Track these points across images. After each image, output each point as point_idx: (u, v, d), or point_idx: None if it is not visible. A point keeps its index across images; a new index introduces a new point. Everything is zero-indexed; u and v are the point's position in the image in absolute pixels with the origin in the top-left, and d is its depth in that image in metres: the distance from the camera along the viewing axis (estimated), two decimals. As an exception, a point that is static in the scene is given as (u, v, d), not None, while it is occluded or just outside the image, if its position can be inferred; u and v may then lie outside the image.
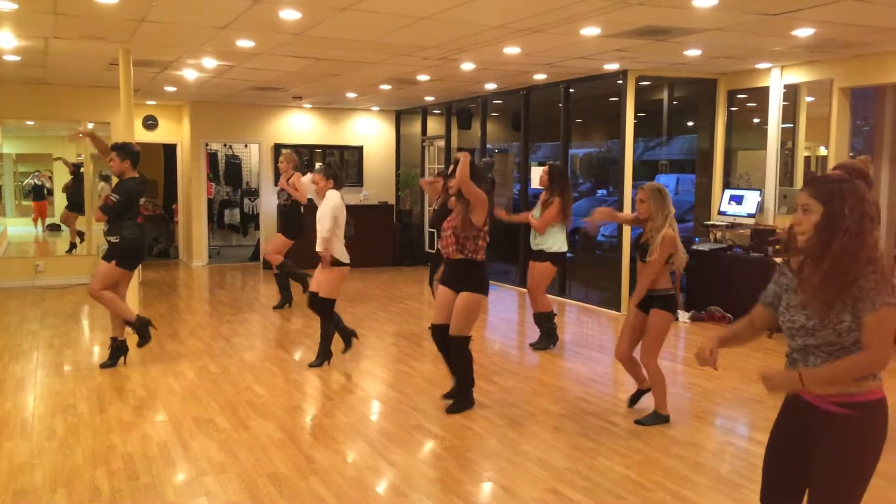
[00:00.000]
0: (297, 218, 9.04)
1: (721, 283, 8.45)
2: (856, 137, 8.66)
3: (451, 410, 5.25)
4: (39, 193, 16.87)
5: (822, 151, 8.61)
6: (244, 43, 7.30)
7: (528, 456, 4.47)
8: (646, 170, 15.59)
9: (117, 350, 6.46)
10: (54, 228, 16.59)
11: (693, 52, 7.62)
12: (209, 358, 6.75)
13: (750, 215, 8.49)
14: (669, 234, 4.89)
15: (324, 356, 6.44)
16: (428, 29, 6.53)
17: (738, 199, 8.68)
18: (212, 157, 15.53)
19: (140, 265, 6.32)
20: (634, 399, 5.38)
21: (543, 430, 4.94)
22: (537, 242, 6.94)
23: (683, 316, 8.64)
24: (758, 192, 8.56)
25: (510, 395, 5.71)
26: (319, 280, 6.30)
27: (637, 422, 5.05)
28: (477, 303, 5.15)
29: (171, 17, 6.30)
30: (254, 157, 15.61)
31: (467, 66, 8.60)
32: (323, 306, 6.30)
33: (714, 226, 8.87)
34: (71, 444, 4.64)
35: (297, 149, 13.57)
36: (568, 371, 6.49)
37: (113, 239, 6.23)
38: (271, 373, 6.32)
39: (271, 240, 9.23)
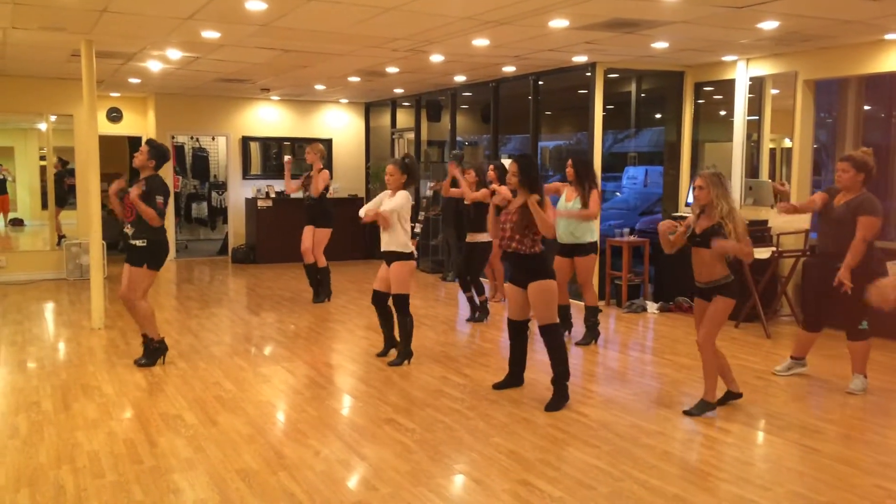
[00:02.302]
0: (326, 209, 9.02)
1: (688, 274, 8.51)
2: (820, 129, 8.79)
3: (549, 408, 5.19)
4: (1, 188, 16.53)
5: (787, 143, 8.72)
6: (210, 34, 7.20)
7: (499, 448, 4.48)
8: (615, 162, 15.69)
9: (155, 351, 6.29)
10: (17, 223, 16.29)
11: (660, 45, 7.67)
12: (176, 353, 6.66)
13: (717, 206, 8.56)
14: (743, 217, 4.91)
15: (405, 355, 6.36)
16: (395, 20, 6.49)
17: (705, 191, 8.75)
18: (178, 150, 15.33)
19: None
20: (722, 401, 5.26)
21: (514, 421, 4.95)
22: (577, 235, 6.81)
23: (652, 307, 8.72)
24: (724, 184, 8.64)
25: (481, 387, 5.72)
26: (385, 278, 6.26)
27: (685, 412, 5.10)
28: (550, 288, 5.27)
29: (134, 8, 6.19)
30: (221, 150, 15.45)
31: (436, 58, 8.57)
32: (400, 302, 6.23)
33: (682, 217, 8.94)
34: (35, 442, 4.56)
35: (265, 141, 13.53)
36: (538, 363, 6.50)
37: (139, 243, 6.06)
38: (240, 368, 6.26)
39: (307, 235, 9.05)
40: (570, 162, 6.96)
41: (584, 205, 6.78)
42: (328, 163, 13.80)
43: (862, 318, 5.51)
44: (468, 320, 8.19)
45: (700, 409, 5.09)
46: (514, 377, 5.67)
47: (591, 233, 6.92)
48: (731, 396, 5.28)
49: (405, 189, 6.25)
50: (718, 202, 4.87)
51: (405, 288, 6.25)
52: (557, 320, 5.38)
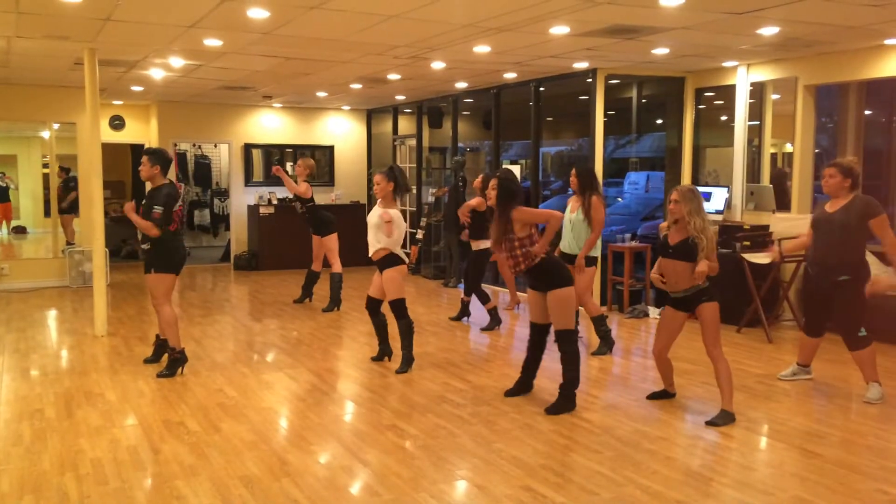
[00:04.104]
0: (319, 217, 9.06)
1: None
2: (820, 134, 8.80)
3: (550, 411, 5.22)
4: (4, 195, 16.57)
5: (788, 148, 8.73)
6: (212, 42, 7.23)
7: (502, 453, 4.48)
8: (616, 167, 15.70)
9: (175, 361, 6.22)
10: (20, 231, 16.32)
11: (661, 51, 7.69)
12: (179, 360, 6.67)
13: (718, 212, 8.59)
14: (713, 234, 5.03)
15: (409, 361, 6.38)
16: (397, 28, 6.52)
17: (706, 196, 8.77)
18: (181, 158, 15.37)
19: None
20: (656, 396, 5.59)
21: (516, 427, 4.96)
22: (579, 246, 6.76)
23: (653, 312, 8.72)
24: (726, 189, 8.66)
25: (483, 392, 5.73)
26: (380, 285, 6.33)
27: (708, 423, 5.01)
28: (569, 295, 5.25)
29: (137, 16, 6.22)
30: (223, 158, 15.49)
31: (438, 65, 8.60)
32: (396, 307, 6.27)
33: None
34: (38, 449, 4.57)
35: (267, 148, 13.56)
36: (544, 369, 6.51)
37: (146, 246, 6.09)
38: (242, 374, 6.27)
39: (316, 247, 9.17)
40: (573, 171, 6.92)
41: (586, 216, 6.75)
42: (330, 169, 13.87)
43: (860, 326, 5.48)
44: (451, 319, 8.44)
45: (724, 420, 5.02)
46: (525, 384, 5.65)
47: (594, 250, 6.82)
48: (667, 395, 5.56)
49: (393, 197, 6.38)
50: (691, 217, 4.98)
51: (400, 293, 6.28)
52: (574, 327, 5.34)
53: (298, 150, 13.66)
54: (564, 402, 5.27)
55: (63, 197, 12.38)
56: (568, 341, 5.28)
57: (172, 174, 12.96)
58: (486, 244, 7.85)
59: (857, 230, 5.37)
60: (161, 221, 5.97)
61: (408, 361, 6.36)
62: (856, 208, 5.39)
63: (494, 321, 8.10)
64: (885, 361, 6.58)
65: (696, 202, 5.01)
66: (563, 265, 5.42)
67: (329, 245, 9.06)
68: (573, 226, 6.82)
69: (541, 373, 6.12)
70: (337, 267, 9.06)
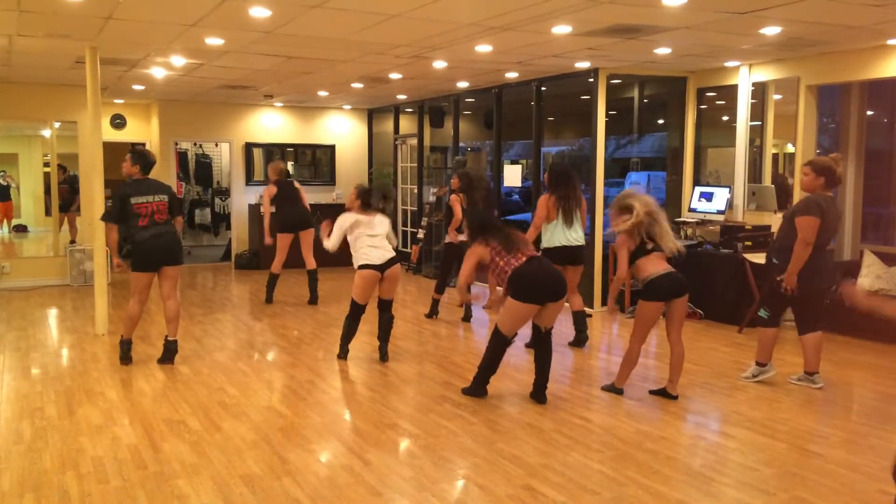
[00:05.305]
0: (276, 213, 9.34)
1: (691, 279, 8.50)
2: (822, 135, 8.79)
3: (464, 391, 5.63)
4: (5, 194, 16.57)
5: (790, 149, 8.71)
6: (214, 41, 7.23)
7: (503, 453, 4.48)
8: (617, 167, 15.69)
9: (166, 349, 6.55)
10: (21, 230, 16.32)
11: (663, 51, 7.69)
12: (180, 359, 6.67)
13: (720, 212, 8.58)
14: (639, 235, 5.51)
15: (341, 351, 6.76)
16: (399, 27, 6.52)
17: (707, 196, 8.77)
18: (182, 157, 15.36)
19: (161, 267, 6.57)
20: (657, 393, 5.70)
21: (518, 426, 4.95)
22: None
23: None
24: (727, 189, 8.66)
25: (484, 392, 5.72)
26: (384, 285, 6.64)
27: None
28: (507, 304, 5.36)
29: (139, 15, 6.22)
30: (224, 157, 15.48)
31: (439, 65, 8.59)
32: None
33: (684, 223, 8.95)
34: (39, 448, 4.57)
35: (268, 147, 13.56)
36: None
37: (128, 246, 6.45)
38: (243, 373, 6.27)
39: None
40: (549, 166, 7.18)
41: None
42: (331, 169, 13.88)
43: (764, 305, 5.91)
44: (462, 319, 8.49)
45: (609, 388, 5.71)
46: (535, 387, 5.58)
47: (542, 243, 6.90)
48: (667, 395, 5.63)
49: (361, 210, 6.52)
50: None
51: (353, 294, 6.52)
52: (505, 332, 5.39)
53: (299, 150, 13.68)
54: (472, 386, 5.58)
55: (71, 199, 12.38)
56: (492, 337, 5.48)
57: (173, 173, 13.01)
58: (460, 237, 8.13)
59: (790, 223, 5.65)
60: (105, 214, 6.56)
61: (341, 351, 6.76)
62: (798, 205, 5.70)
63: (433, 311, 8.60)
64: (885, 361, 6.58)
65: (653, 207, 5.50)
66: (518, 278, 5.26)
67: (305, 240, 9.40)
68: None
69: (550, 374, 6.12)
70: (308, 264, 9.37)
